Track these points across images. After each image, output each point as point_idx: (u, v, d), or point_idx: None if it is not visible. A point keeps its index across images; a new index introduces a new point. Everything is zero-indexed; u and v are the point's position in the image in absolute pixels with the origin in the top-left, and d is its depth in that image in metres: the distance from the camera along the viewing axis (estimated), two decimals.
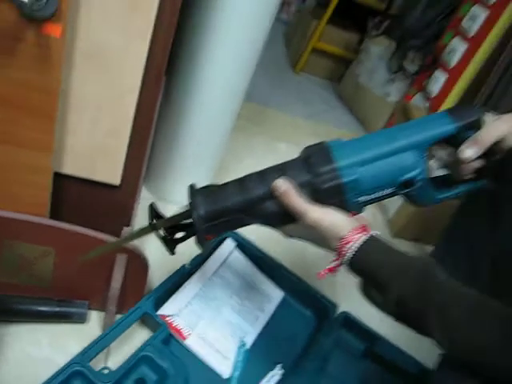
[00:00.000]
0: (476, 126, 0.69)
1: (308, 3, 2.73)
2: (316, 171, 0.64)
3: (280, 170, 0.67)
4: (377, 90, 2.09)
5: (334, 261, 0.66)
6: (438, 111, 0.71)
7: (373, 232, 0.65)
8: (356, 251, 0.62)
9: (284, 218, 0.66)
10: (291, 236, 0.71)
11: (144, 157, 0.85)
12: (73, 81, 0.73)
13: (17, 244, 0.79)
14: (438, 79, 1.74)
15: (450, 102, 1.71)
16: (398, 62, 1.92)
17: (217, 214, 0.65)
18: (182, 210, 0.67)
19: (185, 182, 1.24)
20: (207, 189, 0.68)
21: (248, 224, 0.68)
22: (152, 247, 1.06)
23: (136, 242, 0.86)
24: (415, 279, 0.60)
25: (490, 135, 0.69)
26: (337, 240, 0.64)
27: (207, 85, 1.04)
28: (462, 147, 0.68)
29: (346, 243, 0.63)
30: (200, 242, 0.67)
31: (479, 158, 0.72)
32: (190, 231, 0.68)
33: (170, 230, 0.70)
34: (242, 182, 0.67)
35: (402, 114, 1.67)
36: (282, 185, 0.64)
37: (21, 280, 0.84)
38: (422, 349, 1.05)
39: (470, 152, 0.68)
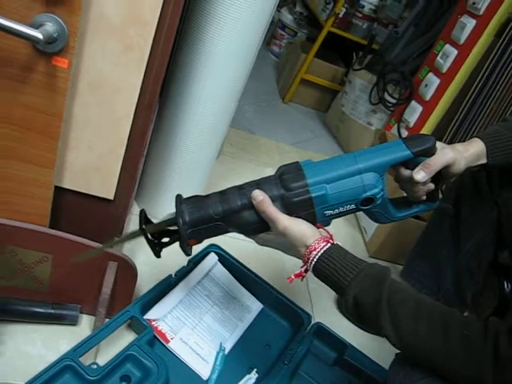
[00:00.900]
0: (429, 152, 0.79)
1: (298, 37, 2.89)
2: (289, 186, 0.74)
3: (256, 184, 0.77)
4: (360, 119, 2.22)
5: (302, 267, 0.75)
6: (394, 140, 0.82)
7: (336, 242, 0.75)
8: (319, 257, 0.72)
9: (258, 227, 0.76)
10: (264, 244, 0.80)
11: (136, 175, 0.95)
12: (75, 106, 0.83)
13: (18, 250, 0.88)
14: (415, 110, 1.87)
15: (425, 130, 1.83)
16: (379, 93, 2.05)
17: (199, 221, 0.74)
18: (168, 217, 0.77)
19: (173, 201, 1.34)
20: (192, 198, 0.77)
21: (227, 232, 0.78)
22: (141, 257, 1.15)
23: (126, 252, 0.95)
24: (371, 281, 0.69)
25: (439, 161, 0.80)
26: (304, 247, 0.73)
27: (195, 111, 1.15)
28: (415, 170, 0.79)
29: (312, 251, 0.72)
30: (183, 246, 0.77)
31: (431, 181, 0.82)
32: (174, 236, 0.77)
33: (157, 235, 0.79)
34: (223, 193, 0.77)
35: (382, 141, 1.78)
36: (259, 195, 0.73)
37: (19, 283, 0.92)
38: (389, 358, 1.13)
39: (421, 174, 0.78)
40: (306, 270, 0.75)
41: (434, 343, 0.64)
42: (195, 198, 0.77)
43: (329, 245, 0.72)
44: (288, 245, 0.75)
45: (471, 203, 1.07)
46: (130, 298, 0.99)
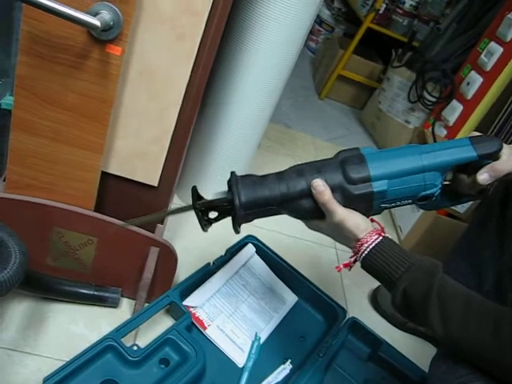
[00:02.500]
0: (494, 156, 0.77)
1: (335, 33, 2.87)
2: (351, 178, 0.73)
3: (317, 170, 0.75)
4: (397, 117, 2.19)
5: (351, 257, 0.75)
6: (460, 138, 0.79)
7: (387, 234, 0.74)
8: (370, 250, 0.72)
9: (314, 214, 0.75)
10: (314, 229, 0.80)
11: (180, 163, 0.96)
12: (125, 93, 0.85)
13: (64, 232, 0.91)
14: (455, 109, 1.83)
15: (465, 131, 1.80)
16: (417, 91, 2.02)
17: (256, 204, 0.74)
18: (222, 196, 0.76)
19: (213, 192, 1.35)
20: (248, 178, 0.76)
21: (279, 214, 0.77)
22: (180, 245, 1.17)
23: (167, 239, 0.97)
24: (422, 274, 0.68)
25: (507, 167, 0.77)
26: (356, 240, 0.73)
27: (239, 104, 1.16)
28: (481, 171, 0.76)
29: (363, 243, 0.72)
30: (235, 226, 0.76)
31: None
32: (222, 214, 0.77)
33: (205, 209, 0.78)
34: (281, 176, 0.76)
35: (420, 140, 1.76)
36: (321, 185, 0.73)
37: (64, 264, 0.95)
38: (423, 357, 1.12)
39: (485, 177, 0.76)
40: (355, 261, 0.75)
41: (483, 339, 0.63)
42: (251, 179, 0.76)
43: (380, 238, 0.72)
44: (340, 235, 0.76)
45: None
46: (169, 283, 1.01)
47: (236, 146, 1.25)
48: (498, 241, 1.11)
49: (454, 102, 1.85)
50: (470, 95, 1.78)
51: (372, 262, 0.72)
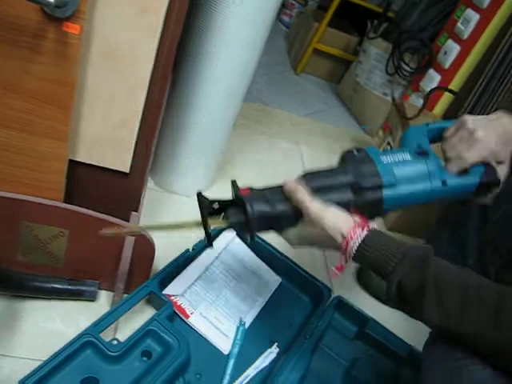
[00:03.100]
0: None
1: (309, 5, 2.80)
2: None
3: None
4: (375, 90, 2.16)
5: (341, 258, 0.71)
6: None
7: (372, 226, 0.70)
8: (358, 247, 0.68)
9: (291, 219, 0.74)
10: (297, 242, 0.76)
11: (151, 147, 0.92)
12: (88, 75, 0.79)
13: (33, 225, 0.86)
14: (433, 79, 1.81)
15: (444, 100, 1.78)
16: (395, 63, 1.99)
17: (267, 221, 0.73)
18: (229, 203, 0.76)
19: (188, 175, 1.31)
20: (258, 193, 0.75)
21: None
22: (158, 232, 1.13)
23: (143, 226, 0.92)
24: (415, 265, 0.65)
25: None
26: (339, 236, 0.69)
27: (210, 83, 1.11)
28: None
29: (349, 239, 0.68)
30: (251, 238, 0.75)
31: None
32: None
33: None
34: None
35: (398, 111, 1.73)
36: (292, 182, 0.72)
37: (36, 259, 0.90)
38: (411, 332, 1.11)
39: None
40: (346, 260, 0.71)
41: (483, 331, 0.60)
42: (262, 193, 0.74)
43: (365, 232, 0.69)
44: (323, 237, 0.71)
45: None
46: (148, 273, 0.97)
47: (211, 127, 1.20)
48: (480, 214, 1.10)
49: (432, 72, 1.83)
50: (447, 64, 1.76)
51: (362, 259, 0.68)
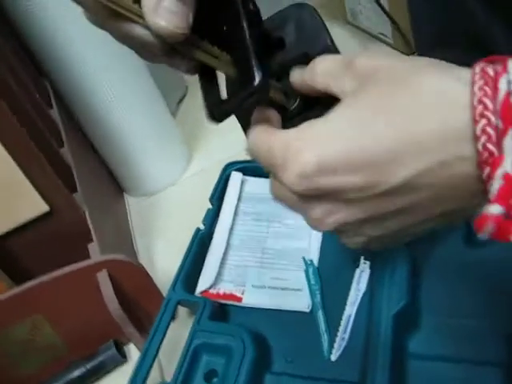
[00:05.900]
0: None
1: None
2: None
3: None
4: None
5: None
6: None
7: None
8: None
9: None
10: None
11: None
12: None
13: (4, 332, 0.68)
14: None
15: None
16: None
17: None
18: None
19: (152, 170, 1.09)
20: None
21: None
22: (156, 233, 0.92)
23: (115, 247, 0.71)
24: None
25: None
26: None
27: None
28: None
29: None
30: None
31: None
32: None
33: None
34: None
35: None
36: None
37: (37, 362, 0.73)
38: None
39: None
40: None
41: None
42: None
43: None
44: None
45: None
46: (154, 291, 0.75)
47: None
48: None
49: None
50: None
51: None
